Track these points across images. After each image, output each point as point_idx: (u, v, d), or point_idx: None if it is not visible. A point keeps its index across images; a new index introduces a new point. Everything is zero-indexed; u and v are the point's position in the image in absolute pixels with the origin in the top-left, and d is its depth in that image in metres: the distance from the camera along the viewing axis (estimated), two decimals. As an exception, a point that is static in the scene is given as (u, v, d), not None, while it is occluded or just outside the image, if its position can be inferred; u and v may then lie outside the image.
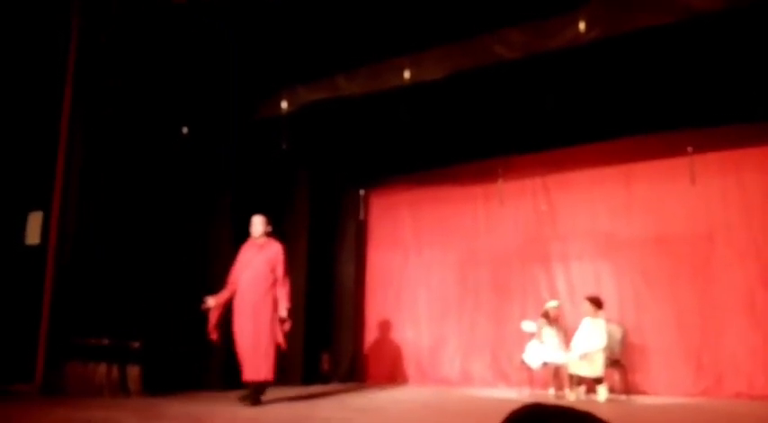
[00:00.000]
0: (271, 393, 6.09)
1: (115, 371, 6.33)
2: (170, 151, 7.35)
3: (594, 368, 6.62)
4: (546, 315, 7.21)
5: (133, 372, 6.41)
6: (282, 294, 5.89)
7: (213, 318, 5.97)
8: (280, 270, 5.96)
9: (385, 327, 9.04)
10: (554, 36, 5.60)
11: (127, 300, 6.65)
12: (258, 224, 6.13)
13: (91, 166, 6.68)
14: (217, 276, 7.79)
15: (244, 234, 8.10)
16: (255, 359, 5.75)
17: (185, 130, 7.33)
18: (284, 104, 7.10)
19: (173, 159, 7.39)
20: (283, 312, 5.86)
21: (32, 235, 6.80)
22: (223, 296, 5.97)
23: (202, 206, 7.73)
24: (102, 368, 6.29)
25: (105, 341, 6.39)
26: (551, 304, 7.31)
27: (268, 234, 6.17)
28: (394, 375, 8.74)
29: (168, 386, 6.55)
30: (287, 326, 5.92)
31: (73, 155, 6.63)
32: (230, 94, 7.57)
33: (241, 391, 6.03)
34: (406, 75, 6.18)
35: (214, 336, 6.01)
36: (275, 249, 6.04)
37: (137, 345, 6.52)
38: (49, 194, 6.59)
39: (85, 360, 6.29)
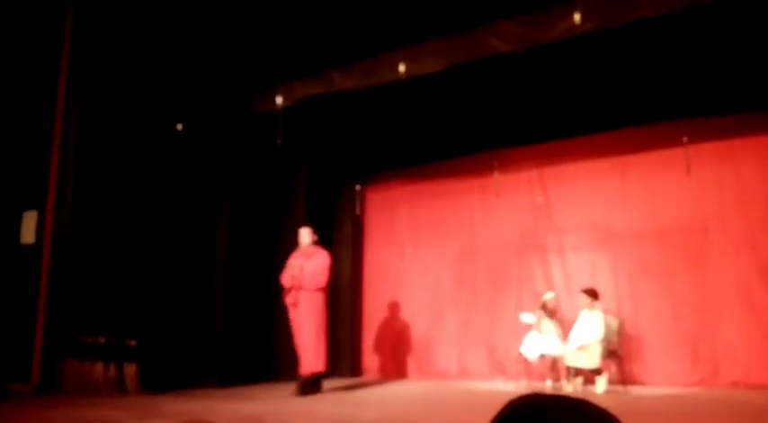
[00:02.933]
0: (269, 389, 6.10)
1: (112, 369, 6.32)
2: (165, 148, 7.32)
3: (592, 359, 6.64)
4: (544, 307, 7.22)
5: (130, 370, 6.40)
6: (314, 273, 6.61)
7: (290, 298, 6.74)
8: (321, 267, 6.70)
9: (382, 321, 9.04)
10: (549, 28, 5.59)
11: (123, 298, 6.63)
12: (305, 235, 6.88)
13: (85, 165, 6.66)
14: (213, 272, 7.81)
15: (240, 230, 8.12)
16: (309, 354, 6.47)
17: (180, 126, 7.30)
18: (279, 99, 7.07)
19: (168, 156, 7.37)
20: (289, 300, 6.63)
21: (27, 234, 6.77)
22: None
23: (198, 203, 7.70)
24: (99, 367, 6.28)
25: (102, 340, 6.38)
26: (548, 296, 7.33)
27: (315, 242, 6.88)
28: (391, 370, 8.74)
29: (165, 384, 6.54)
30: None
31: (67, 154, 6.60)
32: (225, 90, 7.55)
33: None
34: (402, 69, 6.16)
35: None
36: (322, 256, 6.78)
37: (133, 343, 6.51)
38: (43, 194, 6.57)
39: (82, 359, 6.28)
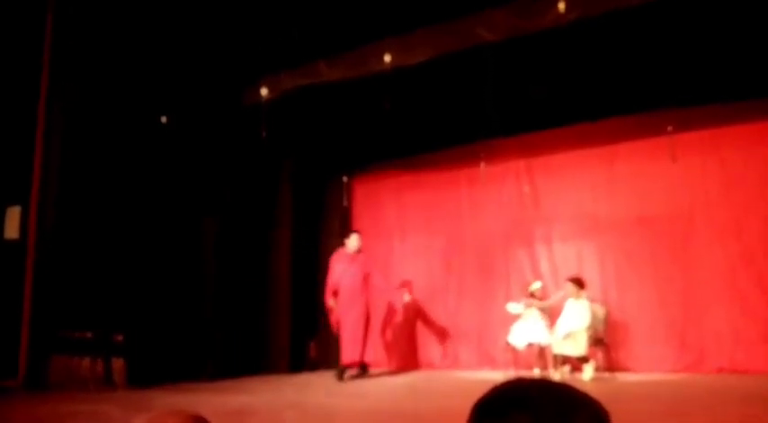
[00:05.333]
0: (259, 382, 6.10)
1: (99, 364, 6.29)
2: (151, 141, 7.26)
3: (578, 347, 6.69)
4: (532, 296, 7.28)
5: (118, 364, 6.38)
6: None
7: (334, 315, 7.53)
8: (377, 273, 7.72)
9: (371, 313, 9.03)
10: (536, 18, 5.59)
11: (109, 292, 6.59)
12: (357, 240, 7.63)
13: (69, 159, 6.59)
14: (201, 264, 7.77)
15: (227, 222, 8.08)
16: (356, 346, 7.25)
17: (164, 119, 7.24)
18: (264, 91, 7.03)
19: (154, 150, 7.30)
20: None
21: (11, 229, 6.70)
22: (333, 299, 7.49)
23: (185, 196, 7.65)
24: (87, 362, 6.25)
25: (88, 335, 6.34)
26: (535, 286, 7.37)
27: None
28: (380, 360, 8.76)
29: (154, 378, 6.52)
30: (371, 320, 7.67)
31: (51, 148, 6.53)
32: (211, 83, 7.48)
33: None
34: (387, 58, 6.14)
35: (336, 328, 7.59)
36: (366, 260, 7.65)
37: (120, 337, 6.47)
38: (26, 188, 6.49)
39: (69, 354, 6.25)
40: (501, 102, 7.07)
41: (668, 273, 7.24)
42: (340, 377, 7.19)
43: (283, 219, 8.71)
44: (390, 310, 8.91)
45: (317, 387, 6.57)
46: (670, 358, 7.07)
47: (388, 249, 9.15)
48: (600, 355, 7.00)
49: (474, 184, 8.51)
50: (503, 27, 5.76)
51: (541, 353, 7.17)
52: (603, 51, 6.20)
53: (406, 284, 8.24)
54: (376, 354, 8.73)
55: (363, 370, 7.45)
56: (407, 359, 8.66)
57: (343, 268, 7.50)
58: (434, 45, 6.09)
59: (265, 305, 8.44)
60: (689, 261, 7.16)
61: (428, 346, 8.60)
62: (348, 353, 7.30)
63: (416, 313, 8.74)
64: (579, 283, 6.95)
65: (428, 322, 8.65)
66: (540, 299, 7.32)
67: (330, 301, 7.51)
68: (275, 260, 8.62)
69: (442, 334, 8.52)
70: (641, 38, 5.97)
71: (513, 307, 7.34)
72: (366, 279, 7.54)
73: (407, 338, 8.78)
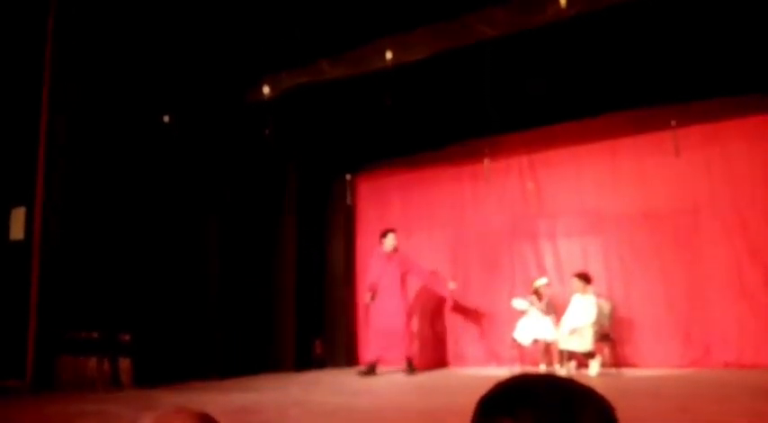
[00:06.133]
0: (265, 380, 6.11)
1: (106, 364, 6.31)
2: (155, 141, 7.27)
3: (584, 343, 6.68)
4: (536, 293, 7.26)
5: (125, 364, 6.39)
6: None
7: (368, 313, 7.93)
8: (417, 266, 7.91)
9: (377, 311, 9.02)
10: (536, 13, 5.57)
11: (115, 292, 6.61)
12: (393, 239, 7.79)
13: (73, 159, 6.60)
14: (206, 263, 7.79)
15: (232, 222, 8.09)
16: (394, 344, 7.50)
17: (166, 118, 7.24)
18: (266, 90, 7.03)
19: (158, 150, 7.31)
20: (407, 306, 7.78)
21: (16, 230, 6.72)
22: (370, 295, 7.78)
23: (189, 196, 7.66)
24: (93, 362, 6.27)
25: (95, 335, 6.36)
26: (541, 282, 7.36)
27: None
28: (387, 358, 8.75)
29: (161, 378, 6.54)
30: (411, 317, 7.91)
31: (54, 149, 6.54)
32: (214, 82, 7.49)
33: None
34: (389, 56, 6.13)
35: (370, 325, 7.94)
36: (403, 258, 7.84)
37: (127, 337, 6.49)
38: (31, 189, 6.51)
39: (76, 354, 6.27)
40: (503, 97, 7.06)
41: (674, 268, 7.22)
42: (371, 373, 7.35)
43: (288, 217, 8.71)
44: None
45: (323, 385, 6.58)
46: (676, 353, 7.05)
47: (392, 247, 9.14)
48: (606, 350, 6.99)
49: (477, 181, 8.51)
50: (504, 23, 5.75)
51: (547, 349, 7.17)
52: (605, 46, 6.18)
53: (440, 276, 8.29)
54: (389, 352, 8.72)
55: (410, 367, 7.50)
56: (427, 357, 8.65)
57: (380, 267, 7.75)
58: (436, 42, 6.08)
59: (271, 303, 8.45)
60: (694, 255, 7.14)
61: (434, 343, 8.59)
62: (380, 348, 7.56)
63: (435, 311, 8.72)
64: (585, 278, 6.94)
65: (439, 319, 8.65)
66: (546, 295, 7.31)
67: (366, 298, 7.78)
68: (280, 259, 8.63)
69: (446, 330, 8.53)
70: (643, 32, 5.95)
71: (518, 303, 7.33)
72: (404, 278, 7.74)
73: (432, 336, 8.74)
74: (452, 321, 8.52)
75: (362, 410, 4.74)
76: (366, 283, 7.90)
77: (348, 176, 9.43)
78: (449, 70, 6.71)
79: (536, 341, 7.13)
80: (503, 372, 7.11)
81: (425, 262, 8.81)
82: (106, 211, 6.70)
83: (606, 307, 7.00)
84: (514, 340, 7.24)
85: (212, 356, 7.47)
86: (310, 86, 6.92)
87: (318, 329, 8.88)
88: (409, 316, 7.77)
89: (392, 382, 6.90)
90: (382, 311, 7.62)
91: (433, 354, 8.66)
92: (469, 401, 0.84)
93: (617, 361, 6.86)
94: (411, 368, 7.51)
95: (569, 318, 6.85)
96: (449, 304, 8.12)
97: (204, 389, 6.21)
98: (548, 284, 7.38)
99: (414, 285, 8.71)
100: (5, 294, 6.51)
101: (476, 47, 6.02)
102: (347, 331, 9.06)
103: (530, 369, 7.14)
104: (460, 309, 8.49)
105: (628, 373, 6.68)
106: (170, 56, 7.14)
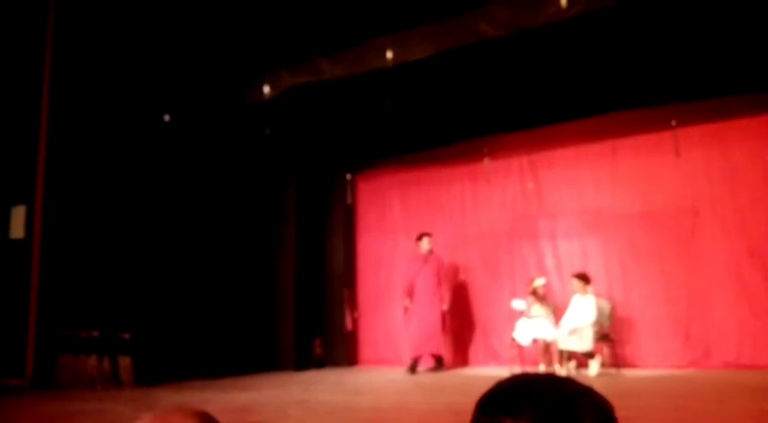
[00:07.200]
0: (265, 380, 6.11)
1: (106, 362, 6.31)
2: (155, 140, 7.27)
3: (584, 343, 6.68)
4: (534, 293, 7.26)
5: (124, 363, 6.39)
6: (446, 293, 7.98)
7: (406, 314, 8.08)
8: (443, 276, 8.01)
9: (377, 310, 9.05)
10: (538, 12, 5.56)
11: (115, 291, 6.61)
12: (427, 243, 8.02)
13: (73, 158, 6.60)
14: (206, 262, 7.79)
15: (232, 220, 8.10)
16: (429, 341, 7.76)
17: (167, 117, 7.24)
18: (266, 89, 7.02)
19: (158, 148, 7.32)
20: (445, 307, 7.91)
21: (16, 229, 6.72)
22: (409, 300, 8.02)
23: (189, 194, 7.67)
24: (93, 360, 6.27)
25: (95, 333, 6.36)
26: (538, 282, 7.36)
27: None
28: (387, 358, 8.77)
29: (161, 376, 6.54)
30: (448, 317, 8.01)
31: (54, 147, 6.55)
32: (214, 81, 7.48)
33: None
34: (389, 55, 6.13)
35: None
36: (439, 261, 8.06)
37: (127, 336, 6.49)
38: (31, 188, 6.51)
39: (76, 353, 6.27)
40: (504, 97, 7.06)
41: (673, 267, 7.22)
42: (413, 370, 7.55)
43: (288, 217, 8.71)
44: (386, 306, 8.92)
45: (322, 384, 6.59)
46: (676, 354, 7.05)
47: (392, 245, 9.15)
48: (606, 350, 6.99)
49: (478, 180, 8.51)
50: (505, 22, 5.74)
51: (547, 349, 7.17)
52: (606, 46, 6.18)
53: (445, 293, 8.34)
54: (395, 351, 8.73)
55: (439, 364, 7.78)
56: (395, 355, 8.68)
57: (416, 269, 7.98)
58: (436, 41, 6.07)
59: (271, 303, 8.46)
60: (694, 255, 7.14)
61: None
62: (420, 347, 7.80)
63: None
64: (585, 278, 6.94)
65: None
66: (545, 295, 7.31)
67: (406, 302, 8.00)
68: (280, 258, 8.64)
69: (446, 330, 8.53)
70: (643, 32, 5.95)
71: (517, 303, 7.33)
72: (440, 278, 7.96)
73: (397, 334, 8.77)
74: (450, 319, 8.51)
75: (362, 409, 4.74)
76: (403, 287, 8.07)
77: (348, 176, 9.43)
78: (449, 69, 6.70)
79: (535, 341, 7.13)
80: (503, 372, 7.12)
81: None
82: (106, 210, 6.70)
83: (606, 307, 7.00)
84: (514, 340, 7.24)
85: (212, 355, 7.47)
86: (310, 86, 6.91)
87: (319, 329, 8.89)
88: (444, 316, 7.90)
89: (392, 381, 6.91)
90: (418, 312, 7.86)
91: (381, 351, 8.79)
92: (469, 401, 0.84)
93: (617, 361, 6.86)
94: (439, 365, 7.76)
95: (569, 318, 6.85)
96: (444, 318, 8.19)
97: (204, 388, 6.21)
98: (545, 284, 7.39)
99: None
100: (5, 293, 6.51)
101: (476, 46, 6.01)
102: (347, 330, 9.05)
103: (530, 369, 7.14)
104: (461, 309, 8.51)
105: (627, 373, 6.68)
106: (170, 55, 7.14)
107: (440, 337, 7.83)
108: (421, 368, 7.72)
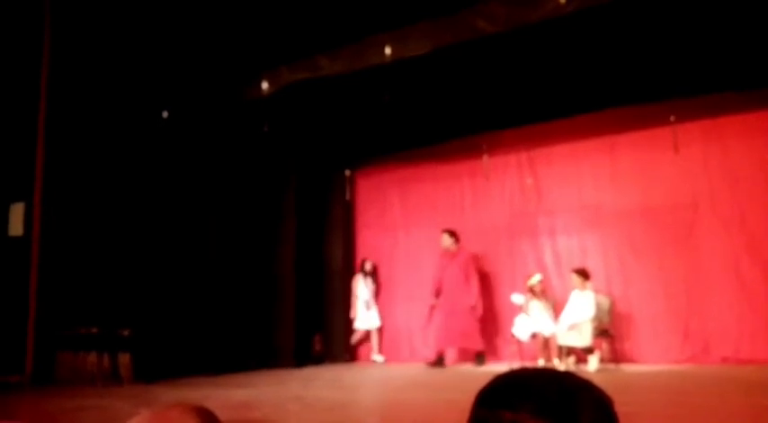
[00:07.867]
0: (264, 376, 6.11)
1: (106, 359, 6.32)
2: (154, 137, 7.26)
3: (583, 338, 6.70)
4: (531, 290, 7.28)
5: (124, 359, 6.40)
6: (474, 289, 7.93)
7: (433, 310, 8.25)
8: (472, 271, 8.00)
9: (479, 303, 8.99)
10: (535, 8, 5.55)
11: (115, 288, 6.61)
12: (446, 240, 8.07)
13: (72, 155, 6.60)
14: (206, 259, 7.79)
15: (232, 217, 8.09)
16: (463, 336, 7.85)
17: (165, 114, 7.23)
18: (265, 85, 7.01)
19: (157, 145, 7.31)
20: (472, 301, 7.87)
21: (15, 226, 6.71)
22: (437, 297, 8.11)
23: (188, 192, 7.66)
24: (93, 357, 6.28)
25: (94, 330, 6.37)
26: (534, 279, 7.36)
27: (457, 242, 8.12)
28: (386, 354, 8.78)
29: (160, 373, 6.55)
30: (478, 311, 7.88)
31: (53, 144, 6.54)
32: (213, 78, 7.47)
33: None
34: (387, 51, 6.12)
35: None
36: (466, 256, 8.09)
37: (126, 333, 6.50)
38: (30, 186, 6.50)
39: (76, 349, 6.27)
40: (502, 93, 7.05)
41: (672, 263, 7.23)
42: (440, 364, 7.67)
43: (287, 213, 8.71)
44: (385, 302, 8.92)
45: (321, 380, 6.59)
46: (675, 349, 7.07)
47: (392, 242, 9.16)
48: (605, 346, 7.01)
49: (477, 176, 8.51)
50: (503, 18, 5.73)
51: (546, 344, 7.18)
52: (604, 42, 6.16)
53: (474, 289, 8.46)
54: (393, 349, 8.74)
55: (480, 359, 7.75)
56: (394, 351, 8.70)
57: (444, 265, 8.08)
58: (435, 37, 6.06)
59: (270, 299, 8.46)
60: (693, 251, 7.15)
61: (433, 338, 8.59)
62: (445, 341, 7.91)
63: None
64: (584, 274, 6.95)
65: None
66: (542, 291, 7.33)
67: (432, 301, 8.12)
68: (280, 254, 8.64)
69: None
70: (642, 28, 5.93)
71: (516, 298, 7.35)
72: (468, 273, 7.97)
73: (396, 330, 8.79)
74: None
75: (361, 406, 4.75)
76: (432, 284, 8.13)
77: (347, 172, 9.42)
78: (448, 66, 6.69)
79: (534, 336, 7.14)
80: (502, 367, 7.13)
81: (425, 258, 8.83)
82: (105, 208, 6.70)
83: (605, 303, 7.01)
84: (513, 336, 7.25)
85: (212, 352, 7.47)
86: (309, 82, 6.89)
87: (318, 325, 8.89)
88: (474, 310, 7.88)
89: (391, 378, 6.92)
90: (444, 307, 7.96)
91: (388, 347, 8.78)
92: (468, 396, 0.84)
93: (616, 356, 6.88)
94: (481, 361, 7.75)
95: (568, 313, 6.86)
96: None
97: (203, 384, 6.22)
98: (541, 280, 7.39)
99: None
100: (5, 290, 6.51)
101: (474, 42, 6.00)
102: (345, 327, 9.06)
103: (529, 364, 7.15)
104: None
105: (626, 368, 6.70)
106: (169, 52, 7.12)
107: (477, 333, 7.80)
108: (451, 363, 7.84)
